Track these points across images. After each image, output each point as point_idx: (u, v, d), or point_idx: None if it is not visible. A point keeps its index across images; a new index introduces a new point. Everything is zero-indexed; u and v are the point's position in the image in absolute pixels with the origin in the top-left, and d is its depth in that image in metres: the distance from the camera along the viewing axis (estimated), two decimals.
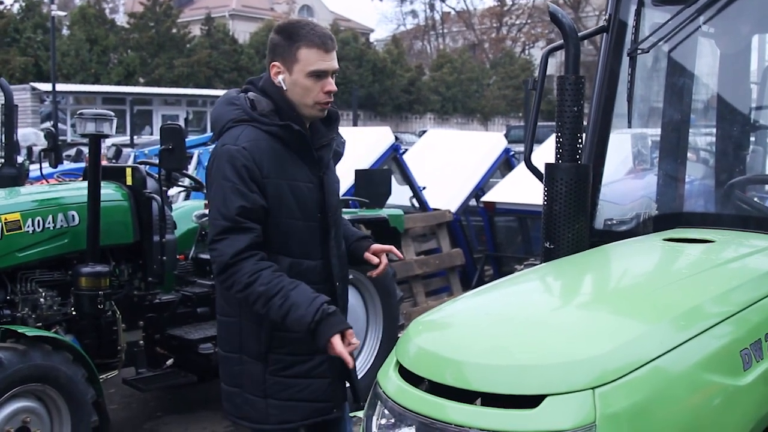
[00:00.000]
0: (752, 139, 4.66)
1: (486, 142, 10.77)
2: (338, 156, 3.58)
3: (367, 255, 3.55)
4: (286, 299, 3.14)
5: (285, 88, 3.29)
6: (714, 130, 4.48)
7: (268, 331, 3.34)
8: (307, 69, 3.24)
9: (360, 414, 2.73)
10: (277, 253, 3.28)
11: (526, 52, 63.71)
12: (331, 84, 3.28)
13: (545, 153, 5.66)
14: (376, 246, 3.59)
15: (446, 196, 9.61)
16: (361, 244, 3.61)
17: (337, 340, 3.11)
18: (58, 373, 4.70)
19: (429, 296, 8.86)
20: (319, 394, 3.42)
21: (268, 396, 3.39)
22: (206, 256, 6.64)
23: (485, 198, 9.54)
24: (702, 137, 4.63)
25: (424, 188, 9.57)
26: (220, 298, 3.50)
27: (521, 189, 8.60)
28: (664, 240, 3.44)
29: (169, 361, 6.25)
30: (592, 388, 2.13)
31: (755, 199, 4.25)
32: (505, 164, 10.51)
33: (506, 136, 13.32)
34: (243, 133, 3.26)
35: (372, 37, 65.80)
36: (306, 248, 3.35)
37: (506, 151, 10.46)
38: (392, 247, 3.61)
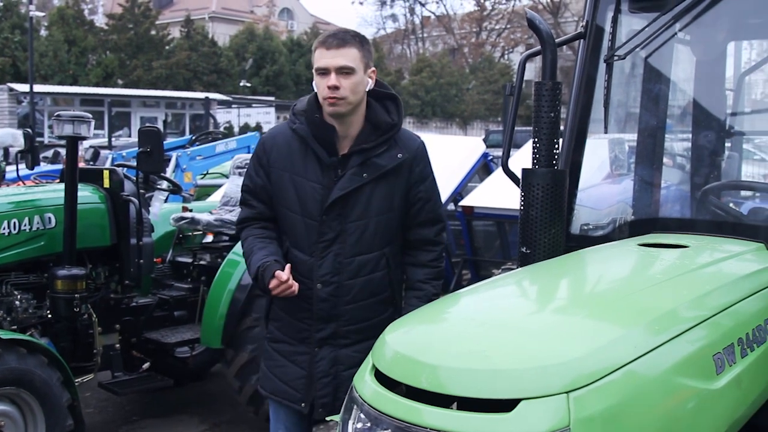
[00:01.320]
0: (727, 145, 4.71)
1: (465, 147, 10.76)
2: (377, 167, 3.54)
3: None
4: (249, 258, 3.62)
5: (315, 90, 3.58)
6: (690, 136, 4.50)
7: (269, 300, 3.73)
8: (315, 67, 3.52)
9: (336, 418, 2.73)
10: (283, 233, 3.68)
11: (506, 57, 63.87)
12: (331, 80, 3.45)
13: (523, 158, 5.68)
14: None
15: None
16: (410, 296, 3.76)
17: (279, 273, 3.44)
18: (33, 376, 4.67)
19: None
20: (290, 379, 3.65)
21: (263, 360, 3.82)
22: (183, 259, 6.64)
23: (463, 202, 9.53)
24: (678, 143, 4.66)
25: None
26: None
27: (499, 193, 8.60)
28: (640, 245, 3.46)
29: (146, 365, 6.25)
30: (567, 392, 2.13)
31: (730, 205, 4.28)
32: (483, 169, 10.51)
33: (485, 140, 13.31)
34: (275, 127, 3.86)
35: None
36: (300, 242, 3.59)
37: (485, 155, 10.47)
38: None
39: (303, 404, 3.62)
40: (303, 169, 3.55)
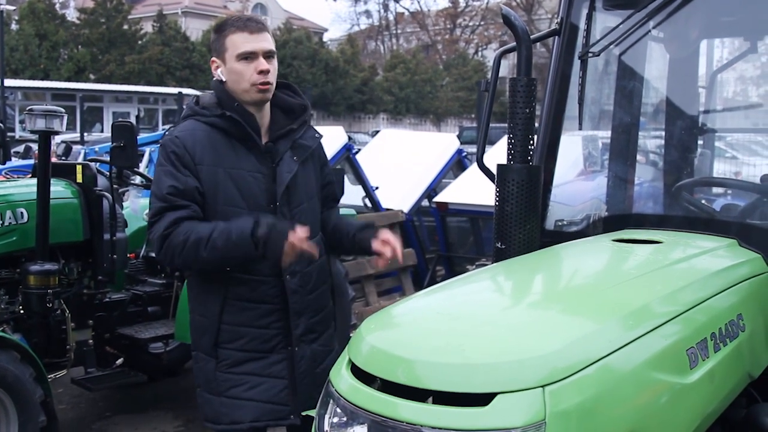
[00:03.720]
0: (700, 142, 4.75)
1: (439, 143, 10.80)
2: (304, 149, 3.49)
3: (376, 247, 3.44)
4: (223, 230, 3.19)
5: (224, 79, 3.38)
6: (663, 133, 4.54)
7: (216, 324, 3.37)
8: (235, 53, 3.33)
9: (312, 413, 2.73)
10: None
11: (479, 53, 64.03)
12: (263, 64, 3.32)
13: (497, 154, 5.70)
14: (385, 235, 3.46)
15: (399, 196, 9.63)
16: (366, 234, 3.53)
17: (293, 234, 3.13)
18: (5, 372, 4.64)
19: (381, 296, 8.88)
20: (273, 395, 3.39)
21: (220, 393, 3.39)
22: None
23: (438, 198, 9.57)
24: (651, 140, 4.70)
25: (376, 188, 9.58)
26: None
27: (473, 190, 8.65)
28: (614, 240, 3.49)
29: (119, 361, 6.22)
30: (542, 386, 2.15)
31: (702, 201, 4.33)
32: (457, 165, 10.54)
33: (459, 137, 13.37)
34: (181, 125, 3.41)
35: (326, 37, 65.80)
36: None
37: (459, 151, 10.50)
38: (397, 247, 3.43)
39: (293, 416, 3.42)
40: (236, 161, 3.33)
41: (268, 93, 3.38)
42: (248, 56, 3.31)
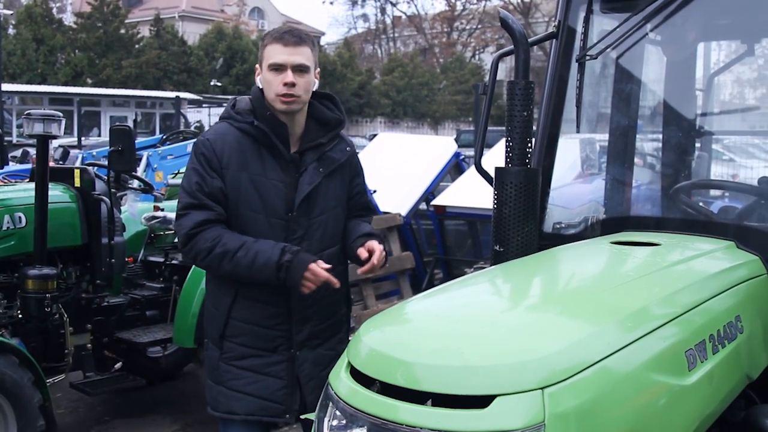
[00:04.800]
0: (697, 144, 4.76)
1: (436, 146, 10.79)
2: (332, 161, 3.56)
3: (360, 251, 3.50)
4: (249, 250, 3.33)
5: (260, 86, 3.50)
6: (660, 136, 4.55)
7: (225, 317, 3.51)
8: (267, 63, 3.43)
9: (312, 416, 2.74)
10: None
11: (477, 57, 64.11)
12: (289, 76, 3.40)
13: (495, 157, 5.70)
14: (372, 243, 3.52)
15: (396, 199, 9.62)
16: (357, 243, 3.57)
17: (315, 267, 3.30)
18: (3, 376, 4.64)
19: (379, 299, 8.87)
20: (270, 393, 3.50)
21: (221, 383, 3.55)
22: (155, 259, 6.61)
23: (435, 201, 9.56)
24: (649, 143, 4.70)
25: (374, 192, 9.56)
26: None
27: (471, 193, 8.64)
28: (612, 243, 3.49)
29: (118, 365, 6.21)
30: (541, 388, 2.15)
31: (700, 204, 4.33)
32: (455, 168, 10.54)
33: (456, 140, 13.34)
34: (214, 128, 3.58)
35: (323, 41, 65.82)
36: None
37: (456, 155, 10.50)
38: (379, 253, 3.49)
39: (288, 415, 3.53)
40: (261, 168, 3.44)
41: (293, 105, 3.45)
42: (278, 67, 3.41)
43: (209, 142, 3.45)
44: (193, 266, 5.91)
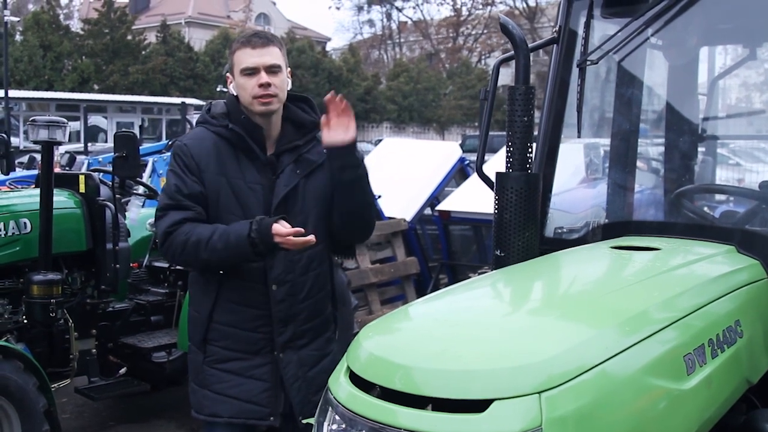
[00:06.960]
0: (700, 149, 4.75)
1: (441, 152, 10.81)
2: (309, 163, 3.58)
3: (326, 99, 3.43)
4: (222, 233, 3.35)
5: (235, 93, 3.54)
6: (663, 140, 4.55)
7: (207, 320, 3.55)
8: (239, 68, 3.47)
9: (311, 420, 2.75)
10: None
11: (483, 62, 64.00)
12: (263, 77, 3.43)
13: (500, 162, 5.71)
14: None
15: (401, 204, 9.63)
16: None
17: (278, 227, 3.28)
18: (8, 381, 4.66)
19: (384, 304, 8.88)
20: (253, 395, 3.53)
21: (205, 386, 3.58)
22: (160, 264, 6.62)
23: (440, 207, 9.57)
24: (651, 147, 4.70)
25: (379, 197, 9.55)
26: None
27: (476, 198, 8.64)
28: (612, 248, 3.50)
29: (122, 370, 6.22)
30: (539, 393, 2.15)
31: (705, 209, 4.33)
32: (460, 173, 10.54)
33: (462, 145, 13.38)
34: (192, 132, 3.65)
35: (329, 46, 65.93)
36: None
37: (461, 160, 10.51)
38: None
39: (272, 418, 3.55)
40: (238, 171, 3.48)
41: (271, 105, 3.48)
42: (251, 71, 3.45)
43: (187, 146, 3.51)
44: None
